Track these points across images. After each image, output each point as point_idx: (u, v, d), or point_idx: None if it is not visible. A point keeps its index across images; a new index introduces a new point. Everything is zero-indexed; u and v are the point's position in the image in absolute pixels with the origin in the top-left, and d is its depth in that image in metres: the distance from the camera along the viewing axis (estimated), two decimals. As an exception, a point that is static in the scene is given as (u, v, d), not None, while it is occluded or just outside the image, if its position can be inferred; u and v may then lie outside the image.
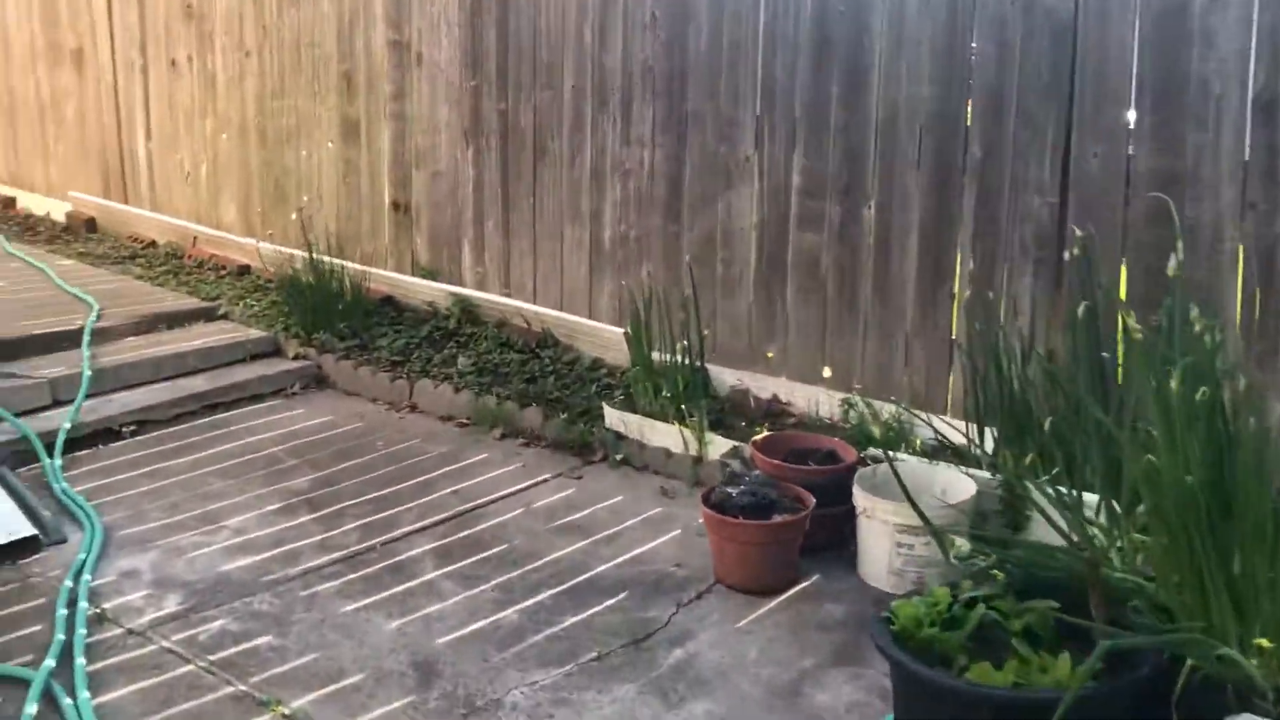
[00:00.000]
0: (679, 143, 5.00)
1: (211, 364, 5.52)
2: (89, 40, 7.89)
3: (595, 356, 5.35)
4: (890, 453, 3.83)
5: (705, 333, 4.81)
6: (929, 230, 4.32)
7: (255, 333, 5.82)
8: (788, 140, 4.64)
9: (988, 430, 3.84)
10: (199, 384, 5.29)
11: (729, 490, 3.47)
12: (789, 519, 3.42)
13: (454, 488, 4.32)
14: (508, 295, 5.77)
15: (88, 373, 5.06)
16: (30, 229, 8.12)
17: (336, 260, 6.00)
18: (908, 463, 3.73)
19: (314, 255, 5.97)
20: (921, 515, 3.15)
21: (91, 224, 8.00)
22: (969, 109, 4.19)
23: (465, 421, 5.00)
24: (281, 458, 4.64)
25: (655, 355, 4.79)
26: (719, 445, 4.31)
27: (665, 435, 4.47)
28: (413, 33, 5.94)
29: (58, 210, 8.36)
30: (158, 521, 4.02)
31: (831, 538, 3.69)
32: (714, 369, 4.91)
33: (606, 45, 5.18)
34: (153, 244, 7.53)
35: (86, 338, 5.41)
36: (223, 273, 6.87)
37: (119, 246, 7.55)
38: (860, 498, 3.48)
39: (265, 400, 5.34)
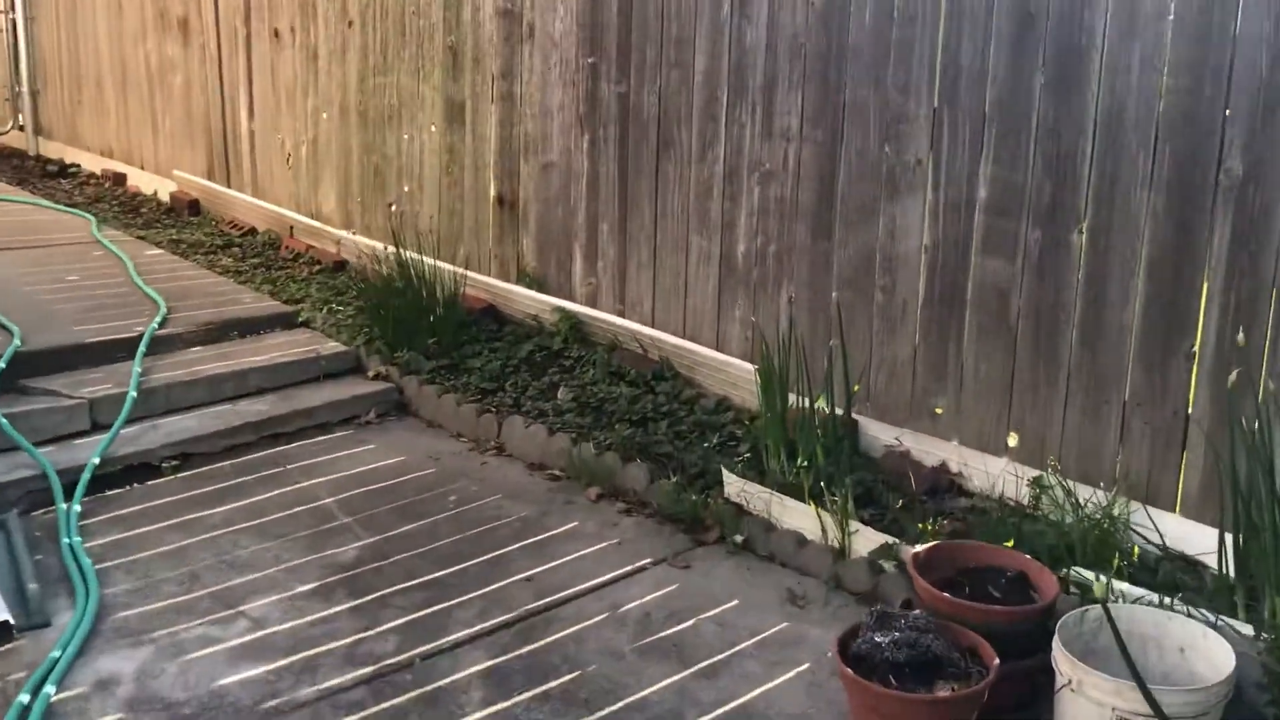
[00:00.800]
0: (832, 139, 4.01)
1: (278, 383, 4.80)
2: (195, 7, 7.29)
3: (721, 395, 4.42)
4: (1109, 594, 2.80)
5: (856, 387, 3.84)
6: (1162, 268, 3.24)
7: (334, 346, 5.07)
8: (972, 142, 3.61)
9: (1243, 550, 2.77)
10: (260, 408, 4.57)
11: (877, 639, 2.50)
12: (961, 692, 2.43)
13: (529, 571, 3.45)
14: (621, 314, 4.88)
15: (133, 394, 4.38)
16: (134, 209, 7.62)
17: (433, 261, 5.21)
18: (1133, 609, 2.68)
19: (405, 255, 5.19)
20: (1156, 708, 2.14)
21: (195, 206, 7.44)
22: (1226, 109, 3.08)
23: (557, 474, 4.13)
24: (333, 512, 3.86)
25: (793, 399, 3.84)
26: (867, 539, 3.34)
27: (799, 516, 3.51)
28: (525, 0, 5.08)
29: (164, 189, 7.84)
30: (167, 599, 3.28)
31: (1020, 695, 2.69)
32: (866, 423, 3.93)
33: (748, 15, 4.21)
34: (251, 231, 6.90)
35: (141, 349, 4.74)
36: (316, 268, 6.18)
37: (216, 233, 6.95)
38: (1063, 662, 2.47)
39: (333, 431, 4.58)
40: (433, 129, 5.64)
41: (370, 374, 4.94)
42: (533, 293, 5.20)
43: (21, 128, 9.67)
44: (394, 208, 5.90)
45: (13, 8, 9.38)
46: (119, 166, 8.45)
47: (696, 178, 4.49)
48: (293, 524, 3.77)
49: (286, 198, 6.74)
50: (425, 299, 5.11)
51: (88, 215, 6.98)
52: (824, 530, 3.43)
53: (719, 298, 4.48)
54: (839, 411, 3.83)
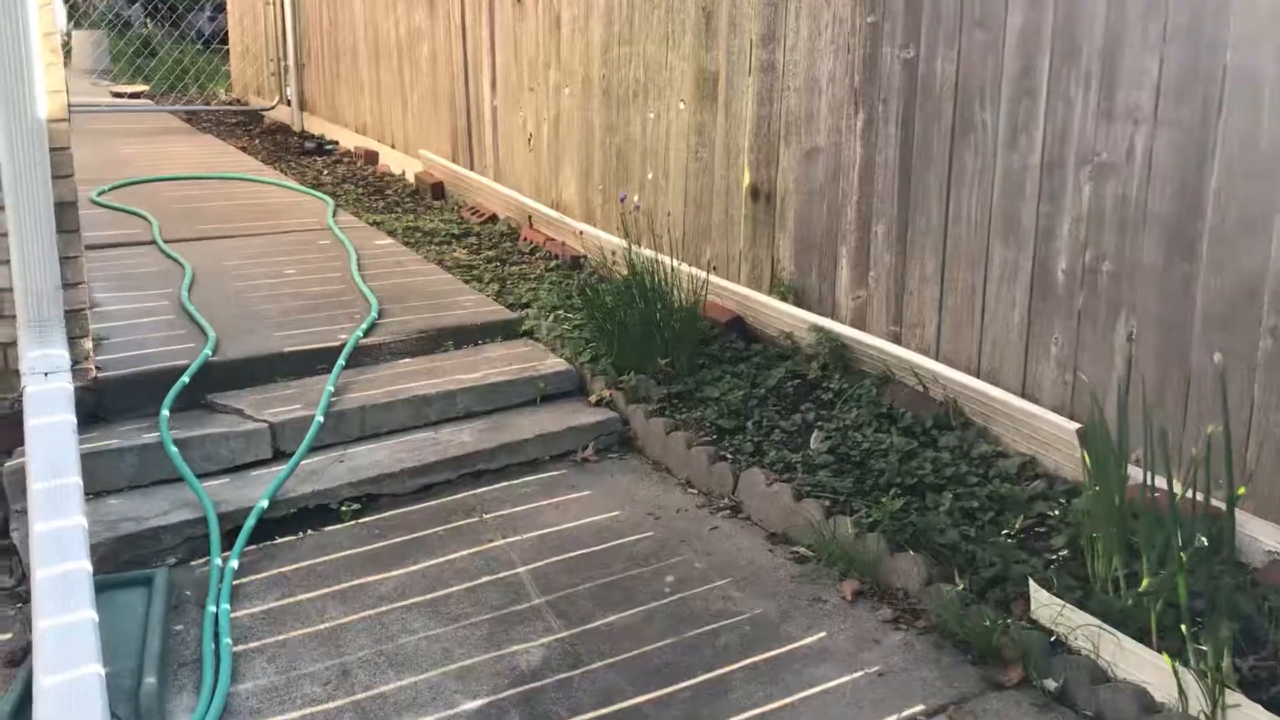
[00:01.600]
0: (1202, 122, 2.89)
1: (489, 406, 4.12)
2: (441, -26, 6.77)
3: (1026, 457, 3.39)
4: None
5: (1241, 489, 2.74)
6: None
7: (555, 363, 4.35)
8: None
9: None
10: (464, 438, 3.90)
11: None
12: None
13: (756, 710, 2.59)
14: (896, 339, 3.91)
15: (319, 419, 3.80)
16: (379, 191, 7.21)
17: (674, 263, 4.41)
18: None
19: (639, 256, 4.41)
20: None
21: (439, 189, 6.95)
22: None
23: (804, 553, 3.24)
24: (525, 588, 3.12)
25: (1132, 474, 2.79)
26: (1247, 717, 2.27)
27: (1143, 665, 2.48)
28: (791, -52, 4.16)
29: (411, 170, 7.41)
30: (304, 708, 2.63)
31: None
32: (1245, 520, 2.82)
33: (1084, -45, 3.14)
34: (492, 219, 6.32)
35: (340, 362, 4.18)
36: (552, 264, 5.50)
37: (455, 220, 6.41)
38: None
39: (543, 469, 3.86)
40: (680, 106, 4.82)
41: (592, 399, 4.19)
42: (787, 306, 4.30)
43: (289, 102, 9.56)
44: (629, 201, 5.13)
45: (281, -19, 9.25)
46: (371, 144, 8.12)
47: (1003, 170, 3.46)
48: (474, 602, 3.05)
49: (527, 183, 6.10)
50: (660, 310, 4.31)
51: (326, 198, 6.60)
52: (1182, 693, 2.38)
53: (1028, 328, 3.44)
54: (1200, 501, 2.74)
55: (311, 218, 6.21)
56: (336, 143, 8.72)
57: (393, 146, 7.77)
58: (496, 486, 3.74)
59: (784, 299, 4.35)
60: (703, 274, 4.53)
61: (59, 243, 3.72)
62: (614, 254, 4.99)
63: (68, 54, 13.64)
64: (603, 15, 5.24)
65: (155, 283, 4.94)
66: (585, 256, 5.47)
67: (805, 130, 4.21)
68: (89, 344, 3.91)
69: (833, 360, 4.04)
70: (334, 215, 6.27)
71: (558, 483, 3.77)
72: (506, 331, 4.64)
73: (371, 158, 7.98)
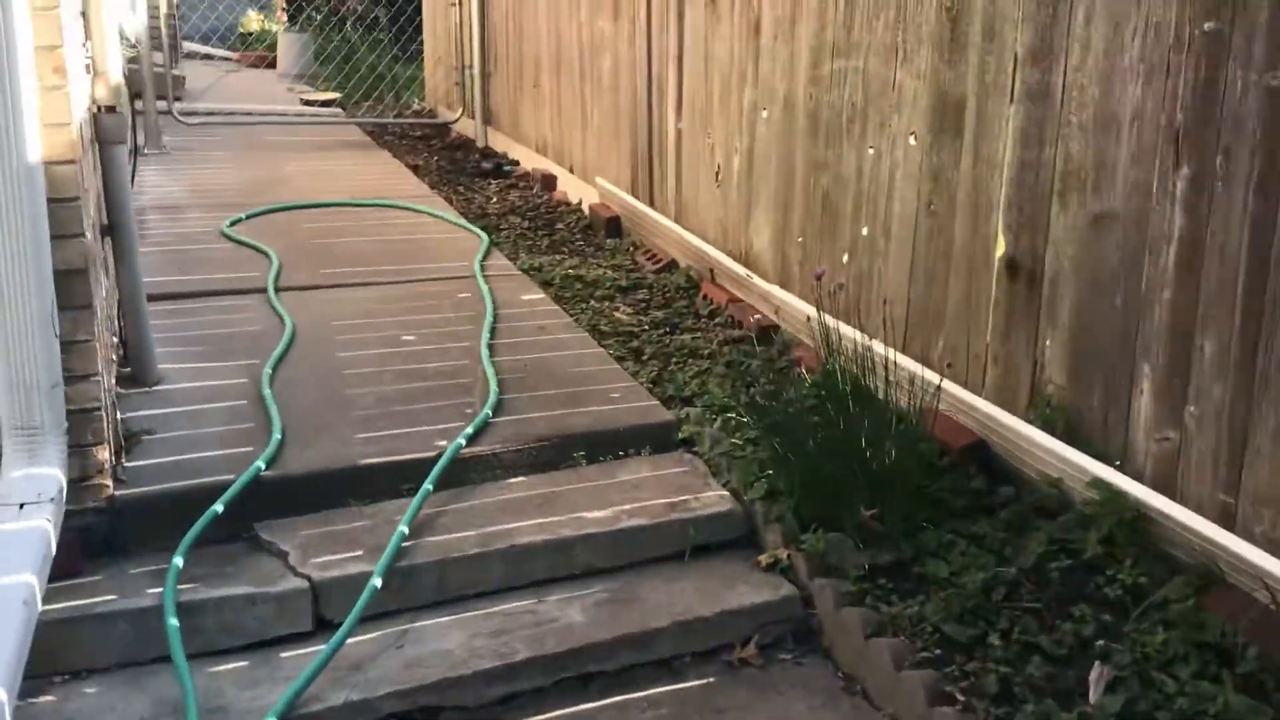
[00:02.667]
0: None
1: (617, 562, 2.98)
2: (627, -31, 5.68)
3: None
4: None
5: None
6: None
7: (715, 496, 3.17)
8: None
9: None
10: (573, 617, 2.77)
11: None
12: None
13: None
14: (1229, 520, 2.54)
15: (375, 583, 2.74)
16: (548, 224, 6.19)
17: (893, 355, 3.17)
18: None
19: (841, 338, 3.18)
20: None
21: (615, 225, 5.87)
22: None
23: None
24: None
25: None
26: None
27: None
28: (1084, -79, 2.84)
29: (589, 199, 6.36)
30: None
31: None
32: None
33: None
34: (669, 266, 5.19)
35: (426, 488, 3.11)
36: (736, 334, 4.32)
37: (626, 266, 5.31)
38: None
39: (680, 676, 2.69)
40: (910, 141, 3.54)
41: (763, 560, 2.99)
42: (1054, 442, 2.97)
43: (473, 115, 8.72)
44: (828, 278, 3.88)
45: (469, -19, 8.40)
46: (550, 166, 7.13)
47: None
48: None
49: (712, 225, 4.94)
50: (868, 427, 3.06)
51: (482, 235, 5.61)
52: None
53: None
54: None
55: (458, 260, 5.23)
56: (517, 163, 7.78)
57: (571, 171, 6.75)
58: (609, 702, 2.59)
59: (1049, 427, 3.03)
60: (931, 376, 3.26)
61: (61, 322, 2.81)
62: (814, 328, 3.77)
63: (271, 59, 13.38)
64: (813, 18, 4.02)
65: (244, 348, 4.03)
66: (777, 327, 4.26)
67: (1092, 187, 2.88)
68: (106, 453, 2.99)
69: (1123, 535, 2.70)
70: (485, 257, 5.27)
71: (700, 703, 2.59)
72: (658, 440, 3.48)
73: (549, 182, 6.99)
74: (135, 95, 6.55)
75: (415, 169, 7.63)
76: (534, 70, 7.39)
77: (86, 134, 3.30)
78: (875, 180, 3.74)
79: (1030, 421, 3.09)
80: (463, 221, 5.96)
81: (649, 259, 5.32)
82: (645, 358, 4.11)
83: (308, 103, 10.44)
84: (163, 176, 7.01)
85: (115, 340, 3.66)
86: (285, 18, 21.56)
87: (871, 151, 3.75)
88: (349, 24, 13.26)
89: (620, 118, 5.89)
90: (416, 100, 10.76)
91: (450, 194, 6.89)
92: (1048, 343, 3.07)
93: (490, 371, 3.81)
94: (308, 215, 6.08)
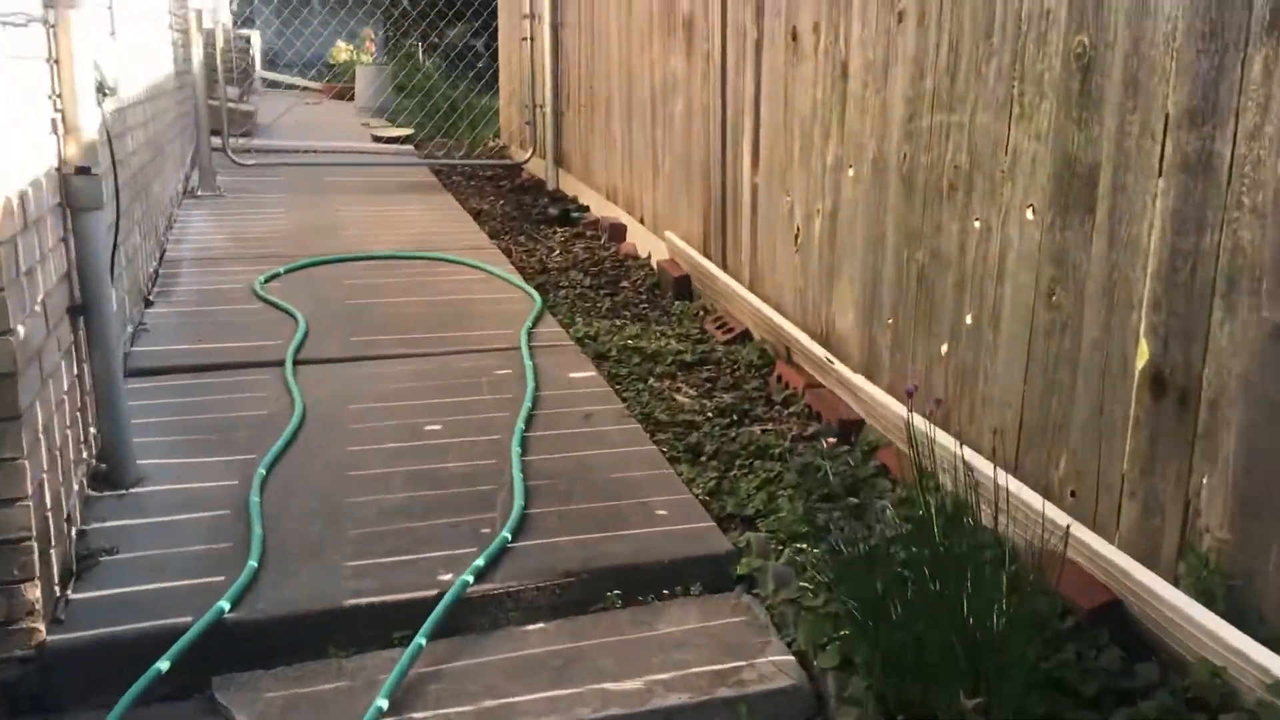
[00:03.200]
0: None
1: (646, 755, 2.38)
2: (701, 1, 5.10)
3: None
4: None
5: None
6: None
7: (776, 662, 2.54)
8: None
9: None
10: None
11: None
12: None
13: None
14: None
15: (339, 780, 2.18)
16: (611, 283, 5.63)
17: (1003, 478, 2.53)
18: None
19: (932, 456, 2.54)
20: None
21: (683, 285, 5.28)
22: None
23: None
24: None
25: None
26: None
27: None
28: (1265, -55, 2.18)
29: (658, 254, 5.80)
30: None
31: None
32: None
33: None
34: (741, 338, 4.58)
35: (419, 642, 2.54)
36: (813, 429, 3.69)
37: (692, 335, 4.72)
38: None
39: None
40: (1028, 215, 2.90)
41: (834, 758, 2.36)
42: (1215, 620, 2.29)
43: (544, 155, 8.22)
44: (922, 396, 3.24)
45: (541, 12, 7.90)
46: (619, 215, 6.58)
47: None
48: None
49: (789, 295, 4.32)
50: (972, 581, 2.41)
51: (535, 296, 5.07)
52: None
53: None
54: None
55: (505, 328, 4.69)
56: (586, 209, 7.26)
57: (641, 221, 6.19)
58: None
59: (1206, 596, 2.35)
60: (1055, 514, 2.61)
61: (-24, 442, 2.32)
62: (911, 437, 3.14)
63: (352, 92, 13.12)
64: (909, 63, 3.40)
65: (246, 437, 3.52)
66: (861, 423, 3.63)
67: (1271, 289, 2.21)
68: (38, 591, 2.48)
69: (1318, 763, 2.02)
70: (536, 323, 4.73)
71: None
72: (711, 576, 2.87)
73: (617, 232, 6.44)
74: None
75: (478, 215, 7.15)
76: (605, 110, 6.86)
77: (46, 201, 2.82)
78: (982, 259, 3.09)
79: (1179, 582, 2.42)
80: (517, 279, 5.42)
81: (719, 327, 4.72)
82: (704, 457, 3.51)
83: (379, 139, 10.06)
84: (209, 222, 6.61)
85: (89, 434, 3.17)
86: (373, 48, 21.52)
87: (978, 224, 3.10)
88: (429, 55, 12.94)
89: (692, 167, 5.31)
90: (492, 137, 10.33)
91: (511, 244, 6.38)
92: (1205, 481, 2.40)
93: (518, 477, 3.24)
94: (351, 270, 5.61)
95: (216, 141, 7.60)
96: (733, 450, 3.55)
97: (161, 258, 5.66)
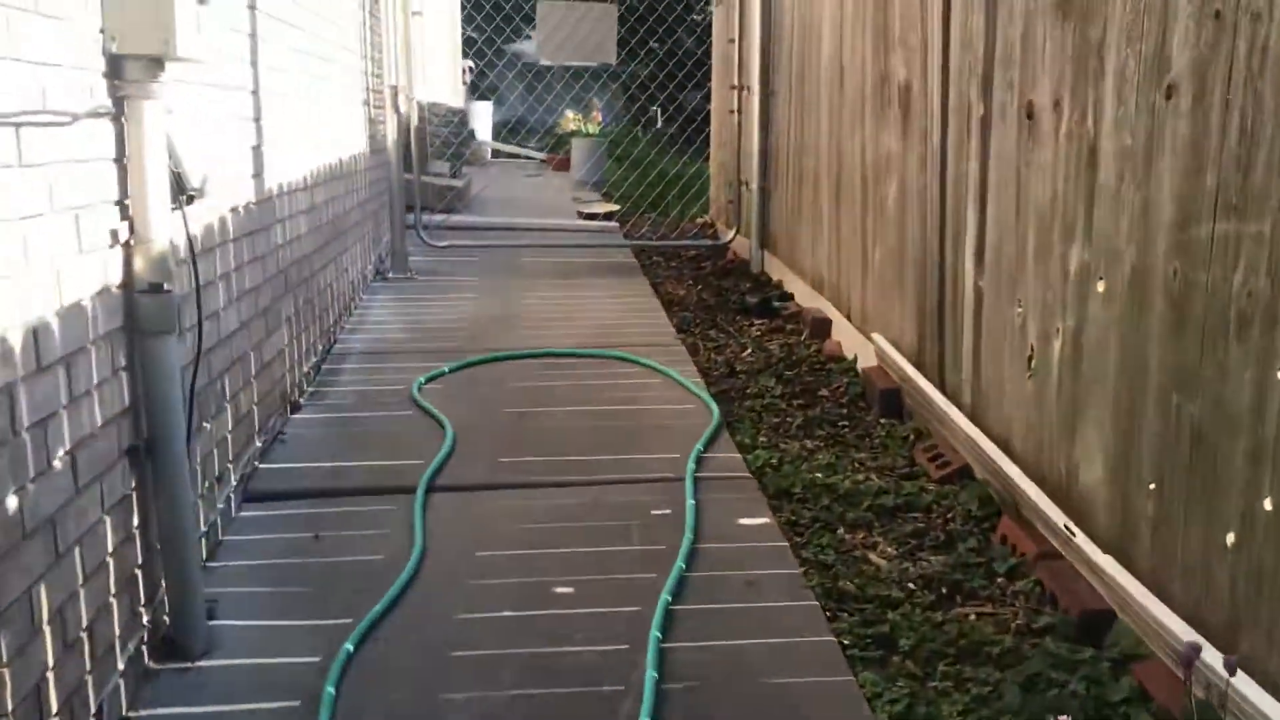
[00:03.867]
0: None
1: None
2: (918, 67, 4.36)
3: None
4: None
5: None
6: None
7: None
8: None
9: None
10: None
11: None
12: None
13: None
14: None
15: None
16: (808, 392, 4.90)
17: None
18: None
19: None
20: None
21: (893, 401, 4.50)
22: None
23: None
24: None
25: None
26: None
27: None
28: None
29: (865, 358, 5.03)
30: None
31: None
32: None
33: None
34: (960, 475, 3.76)
35: None
36: (1044, 623, 2.84)
37: (898, 467, 3.94)
38: None
39: None
40: (1362, 370, 2.03)
41: None
42: None
43: (749, 236, 7.58)
44: (1229, 541, 2.37)
45: (750, 83, 7.30)
46: (825, 308, 5.85)
47: None
48: None
49: (1018, 431, 3.49)
50: None
51: (714, 408, 4.40)
52: None
53: None
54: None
55: (673, 449, 4.03)
56: (790, 298, 6.56)
57: (848, 318, 5.45)
58: None
59: None
60: None
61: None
62: (1169, 647, 2.28)
63: (563, 163, 12.88)
64: (1183, 151, 2.57)
65: (348, 592, 2.98)
66: (1112, 618, 2.77)
67: None
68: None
69: None
70: (710, 443, 4.05)
71: None
72: None
73: (820, 328, 5.71)
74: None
75: (671, 303, 6.57)
76: (813, 191, 6.17)
77: (89, 329, 2.36)
78: (1290, 423, 2.22)
79: None
80: (697, 387, 4.75)
81: (932, 459, 3.92)
82: (898, 654, 2.73)
83: (583, 215, 9.69)
84: (389, 309, 6.28)
85: (154, 595, 2.69)
86: (599, 118, 21.51)
87: (1278, 374, 2.24)
88: (667, 122, 12.58)
89: (905, 261, 4.55)
90: (700, 213, 9.78)
91: (701, 338, 5.75)
92: None
93: (650, 680, 2.55)
94: (519, 370, 5.10)
95: (415, 218, 7.34)
96: (937, 645, 2.76)
97: (329, 350, 5.32)
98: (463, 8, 19.05)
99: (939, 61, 4.11)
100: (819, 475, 3.85)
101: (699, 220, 9.63)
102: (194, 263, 2.86)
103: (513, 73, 18.14)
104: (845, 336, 5.42)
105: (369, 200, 6.77)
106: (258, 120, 3.95)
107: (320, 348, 5.15)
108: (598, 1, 7.80)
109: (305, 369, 4.76)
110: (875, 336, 4.82)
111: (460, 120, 11.65)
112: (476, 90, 20.54)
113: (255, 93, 3.92)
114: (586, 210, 9.86)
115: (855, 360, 5.16)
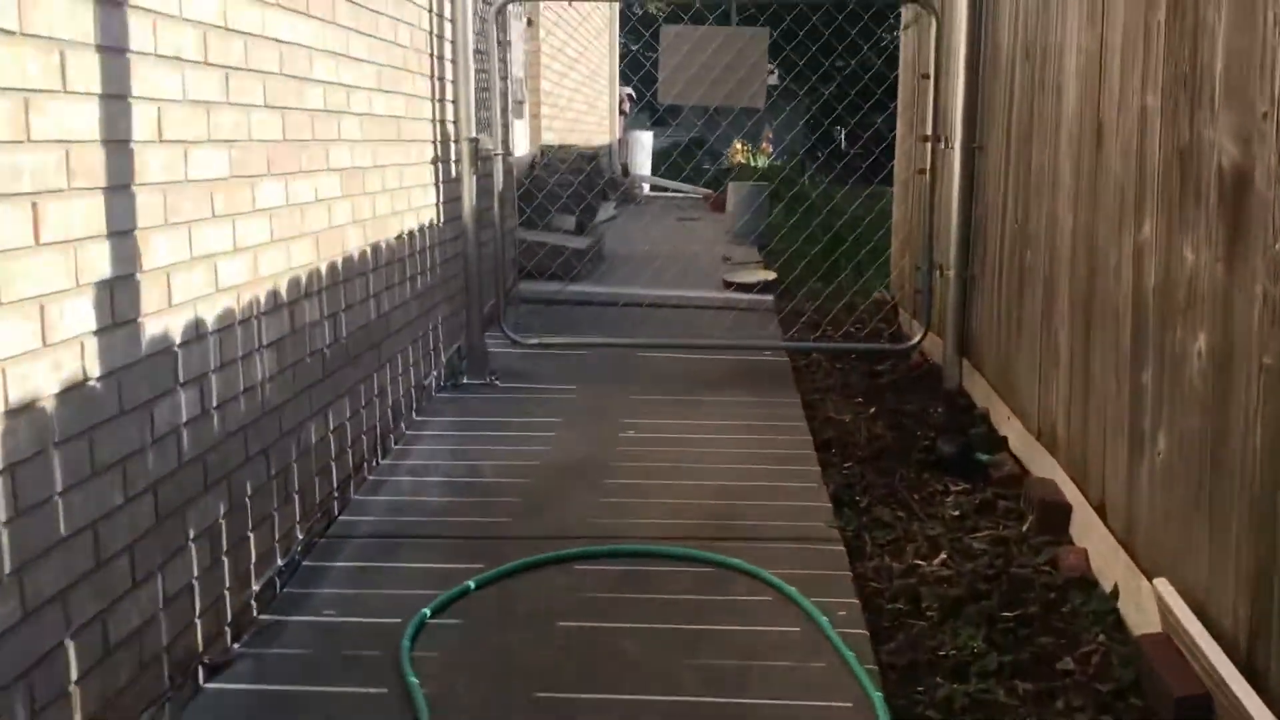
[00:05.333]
0: None
1: None
2: (1271, 144, 2.43)
3: None
4: None
5: None
6: None
7: None
8: None
9: None
10: None
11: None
12: None
13: None
14: None
15: None
16: (1040, 658, 2.99)
17: None
18: None
19: None
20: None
21: (1195, 711, 2.57)
22: None
23: None
24: None
25: None
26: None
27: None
28: None
29: (1134, 606, 3.09)
30: None
31: None
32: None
33: None
34: None
35: None
36: None
37: None
38: None
39: None
40: None
41: None
42: None
43: (941, 335, 5.65)
44: None
45: (950, 134, 5.38)
46: (1059, 480, 3.90)
47: None
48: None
49: None
50: None
51: (876, 697, 2.56)
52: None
53: None
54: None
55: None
56: (1004, 444, 4.62)
57: (1100, 512, 3.49)
58: None
59: None
60: None
61: None
62: None
63: (719, 201, 11.13)
64: None
65: None
66: None
67: None
68: None
69: None
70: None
71: None
72: None
73: (1053, 517, 3.76)
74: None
75: (829, 443, 4.72)
76: (1045, 301, 4.24)
77: None
78: None
79: None
80: (855, 660, 2.90)
81: None
82: None
83: (732, 285, 7.91)
84: (442, 444, 4.66)
85: None
86: (769, 149, 19.65)
87: None
88: (815, 177, 10.71)
89: (1228, 471, 2.61)
90: (881, 288, 7.85)
91: (867, 523, 3.88)
92: None
93: None
94: (581, 580, 3.37)
95: (499, 305, 5.73)
96: None
97: (325, 530, 3.72)
98: (623, 23, 17.53)
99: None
100: None
101: (876, 295, 7.71)
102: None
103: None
104: (1095, 543, 3.48)
105: (439, 284, 5.19)
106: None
107: (300, 537, 3.53)
108: (743, 26, 6.01)
109: (247, 595, 3.14)
110: (1161, 588, 2.87)
111: (595, 168, 10.01)
112: (639, 116, 19.00)
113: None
114: (735, 279, 8.07)
115: (1115, 595, 3.22)
